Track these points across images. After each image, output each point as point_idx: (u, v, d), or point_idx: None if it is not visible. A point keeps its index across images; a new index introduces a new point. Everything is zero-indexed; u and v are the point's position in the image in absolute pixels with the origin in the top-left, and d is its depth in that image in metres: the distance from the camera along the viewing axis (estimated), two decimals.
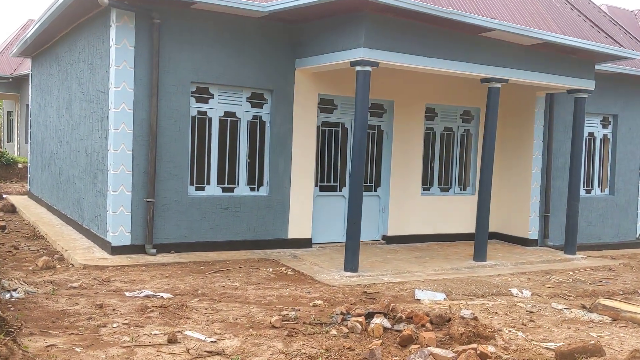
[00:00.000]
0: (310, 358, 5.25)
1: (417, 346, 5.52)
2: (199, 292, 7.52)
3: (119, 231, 9.21)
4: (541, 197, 12.61)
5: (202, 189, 9.99)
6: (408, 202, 11.87)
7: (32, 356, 4.86)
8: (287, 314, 6.42)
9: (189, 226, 9.69)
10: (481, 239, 10.47)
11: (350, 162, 11.12)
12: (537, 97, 12.42)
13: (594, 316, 7.23)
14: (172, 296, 7.21)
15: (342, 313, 6.39)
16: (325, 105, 11.00)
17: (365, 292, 7.96)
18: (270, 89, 10.29)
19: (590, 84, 11.44)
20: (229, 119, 10.15)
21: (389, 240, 11.68)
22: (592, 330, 6.68)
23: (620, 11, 18.76)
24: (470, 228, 12.51)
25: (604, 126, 13.83)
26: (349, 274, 8.89)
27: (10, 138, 31.28)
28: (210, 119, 9.97)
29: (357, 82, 8.89)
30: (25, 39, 13.83)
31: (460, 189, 12.78)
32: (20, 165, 21.81)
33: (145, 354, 5.15)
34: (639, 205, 14.26)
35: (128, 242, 9.27)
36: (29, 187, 16.55)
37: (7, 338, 4.71)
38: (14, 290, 6.88)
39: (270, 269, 9.08)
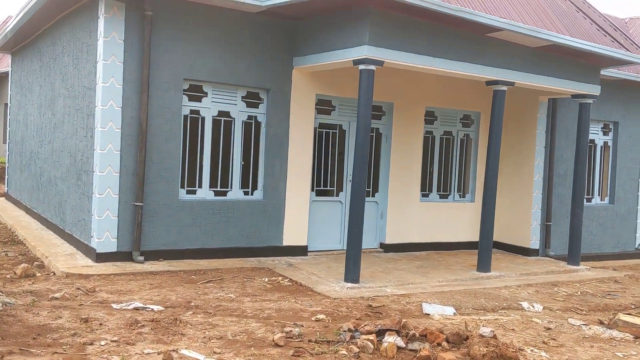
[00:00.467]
0: None
1: None
2: (192, 304, 6.95)
3: (105, 237, 8.60)
4: (543, 205, 12.24)
5: (194, 192, 9.42)
6: (407, 209, 11.40)
7: None
8: (291, 331, 5.89)
9: (179, 232, 9.11)
10: (485, 249, 10.03)
11: (352, 167, 10.68)
12: (540, 102, 12.05)
13: (615, 333, 6.80)
14: (163, 309, 6.64)
15: (350, 330, 5.88)
16: (323, 106, 10.51)
17: (370, 305, 7.46)
18: (267, 88, 9.77)
19: (595, 89, 11.10)
20: (222, 118, 9.61)
21: (387, 248, 11.20)
22: (616, 350, 6.25)
23: (612, 18, 18.59)
24: (470, 236, 12.13)
25: (605, 133, 13.52)
26: (350, 285, 8.38)
27: None
28: (203, 119, 9.42)
29: (360, 82, 8.41)
30: (5, 32, 13.15)
31: (460, 195, 12.35)
32: None
33: None
34: (638, 214, 13.96)
35: (114, 249, 8.67)
36: (6, 188, 15.80)
37: None
38: None
39: (266, 279, 8.54)
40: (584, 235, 12.60)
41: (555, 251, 12.33)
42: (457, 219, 12.08)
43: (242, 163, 9.80)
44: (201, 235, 9.28)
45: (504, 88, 9.92)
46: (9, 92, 15.84)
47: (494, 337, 5.75)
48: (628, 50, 10.87)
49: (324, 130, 10.64)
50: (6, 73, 20.94)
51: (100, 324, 5.84)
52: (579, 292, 9.34)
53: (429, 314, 7.36)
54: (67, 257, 8.92)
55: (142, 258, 8.75)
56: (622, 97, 13.32)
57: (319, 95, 10.30)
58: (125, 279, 7.96)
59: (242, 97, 9.69)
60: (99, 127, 8.53)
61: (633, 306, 8.79)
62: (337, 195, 10.79)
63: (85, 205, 9.07)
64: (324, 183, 10.74)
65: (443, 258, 11.17)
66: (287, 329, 5.95)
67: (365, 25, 8.30)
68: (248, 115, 9.78)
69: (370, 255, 10.78)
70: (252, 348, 5.44)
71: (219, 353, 5.25)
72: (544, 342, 6.26)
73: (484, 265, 10.02)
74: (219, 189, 9.63)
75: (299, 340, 5.71)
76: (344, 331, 5.86)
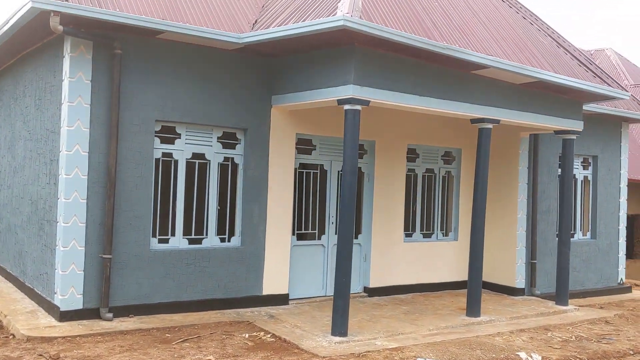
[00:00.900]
0: None
1: None
2: None
3: (69, 293, 7.88)
4: (527, 243, 11.93)
5: (166, 241, 8.79)
6: (391, 250, 10.94)
7: None
8: None
9: (151, 285, 8.44)
10: (474, 293, 9.61)
11: (334, 209, 10.24)
12: (521, 137, 11.84)
13: None
14: None
15: None
16: (304, 145, 10.05)
17: None
18: (244, 128, 9.27)
19: (579, 125, 10.93)
20: (197, 161, 9.05)
21: (371, 292, 10.69)
22: None
23: (584, 52, 18.75)
24: (454, 276, 11.74)
25: (585, 167, 13.38)
26: (337, 339, 7.82)
27: None
28: (176, 162, 8.84)
29: (345, 123, 7.99)
30: None
31: (443, 234, 11.97)
32: None
33: None
34: (619, 248, 13.79)
35: (80, 306, 7.95)
36: None
37: None
38: None
39: (247, 335, 7.91)
40: None
41: (541, 290, 12.00)
42: (441, 259, 11.68)
43: (218, 208, 9.23)
44: (175, 287, 8.62)
45: (490, 126, 9.63)
46: None
47: None
48: (609, 85, 10.75)
49: (305, 170, 10.16)
50: None
51: None
52: (574, 337, 8.95)
53: None
54: (28, 316, 8.15)
55: (110, 315, 8.04)
56: (601, 131, 13.23)
57: (299, 134, 9.85)
58: (92, 341, 7.25)
59: (218, 137, 9.17)
60: (64, 173, 7.88)
61: (632, 352, 8.44)
62: (319, 238, 10.27)
63: (47, 258, 8.34)
64: (305, 226, 10.22)
65: (429, 301, 10.70)
66: None
67: (350, 63, 7.91)
68: (224, 157, 9.24)
69: (355, 301, 10.23)
70: None
71: None
72: None
73: (473, 309, 9.59)
74: (193, 236, 9.02)
75: None
76: None
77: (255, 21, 8.85)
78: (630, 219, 19.50)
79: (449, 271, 11.75)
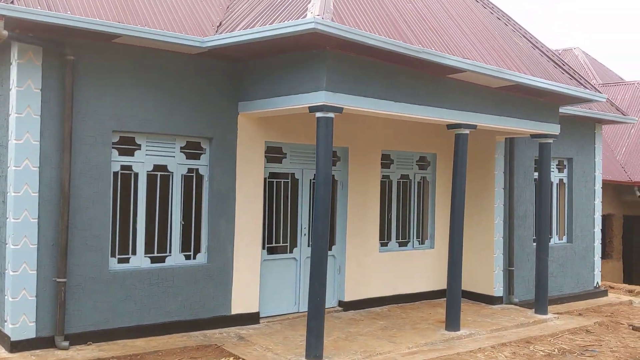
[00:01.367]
0: None
1: None
2: None
3: (21, 321, 7.23)
4: (504, 249, 11.63)
5: (127, 260, 8.18)
6: (366, 261, 10.50)
7: None
8: None
9: (110, 308, 7.83)
10: (454, 306, 9.23)
11: (307, 220, 9.75)
12: (497, 142, 11.52)
13: None
14: None
15: None
16: (273, 154, 9.54)
17: None
18: (209, 137, 8.71)
19: (555, 128, 10.66)
20: (159, 173, 8.46)
21: (346, 306, 10.23)
22: None
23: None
24: (431, 285, 11.39)
25: (560, 170, 13.15)
26: None
27: None
28: (136, 175, 8.23)
29: (318, 131, 7.50)
30: None
31: (419, 242, 11.59)
32: None
33: None
34: (595, 252, 13.62)
35: (33, 335, 7.30)
36: None
37: None
38: None
39: None
40: None
41: (519, 297, 11.71)
42: (418, 268, 11.29)
43: (183, 223, 8.65)
44: (137, 310, 8.02)
45: (467, 131, 9.27)
46: None
47: None
48: (585, 87, 10.50)
49: (275, 180, 9.65)
50: None
51: None
52: (557, 350, 8.65)
53: None
54: None
55: (66, 343, 7.41)
56: (576, 134, 13.02)
57: (269, 142, 9.33)
58: None
59: (181, 147, 8.59)
60: (12, 191, 7.21)
61: None
62: (291, 251, 9.77)
63: None
64: (275, 239, 9.70)
65: (406, 313, 10.30)
66: None
67: (321, 68, 7.43)
68: (188, 169, 8.67)
69: (330, 316, 9.75)
70: None
71: None
72: None
73: (453, 323, 9.21)
74: (156, 254, 8.43)
75: None
76: None
77: (220, 23, 8.30)
78: (602, 219, 19.48)
79: (426, 281, 11.37)
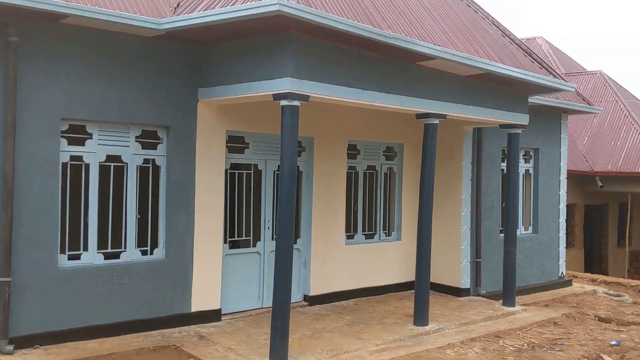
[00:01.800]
0: None
1: None
2: None
3: None
4: (472, 241, 11.46)
5: (78, 257, 7.65)
6: (332, 254, 10.18)
7: None
8: None
9: (60, 309, 7.30)
10: (422, 300, 8.99)
11: (271, 213, 9.36)
12: (465, 131, 11.30)
13: None
14: None
15: None
16: (235, 143, 9.09)
17: None
18: (166, 125, 8.21)
19: (525, 118, 10.49)
20: (112, 164, 7.93)
21: (311, 301, 9.90)
22: None
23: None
24: (398, 278, 11.16)
25: (526, 161, 13.05)
26: None
27: None
28: (87, 166, 7.69)
29: (282, 120, 7.09)
30: None
31: (385, 234, 11.32)
32: None
33: None
34: (560, 242, 13.61)
35: None
36: None
37: None
38: None
39: None
40: None
41: (486, 289, 11.58)
42: (384, 260, 11.03)
43: (138, 217, 8.14)
44: (89, 310, 7.51)
45: (436, 121, 8.99)
46: None
47: None
48: (554, 76, 10.34)
49: (237, 171, 9.21)
50: None
51: None
52: (526, 345, 8.50)
53: None
54: None
55: (11, 347, 6.87)
56: (542, 124, 12.91)
57: (230, 131, 8.88)
58: None
59: (137, 137, 8.07)
60: None
61: (586, 359, 8.06)
62: (254, 245, 9.36)
63: None
64: (238, 232, 9.28)
65: (373, 307, 10.03)
66: None
67: (286, 54, 7.00)
68: (144, 159, 8.15)
69: (295, 312, 9.40)
70: None
71: None
72: None
73: (421, 318, 8.98)
74: (110, 250, 7.92)
75: None
76: None
77: (178, 4, 7.78)
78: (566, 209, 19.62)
79: (393, 273, 11.13)
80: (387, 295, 10.92)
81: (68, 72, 7.28)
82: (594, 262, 21.62)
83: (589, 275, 15.85)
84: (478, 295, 11.40)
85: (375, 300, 10.58)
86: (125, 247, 8.01)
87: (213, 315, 8.58)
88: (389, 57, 8.06)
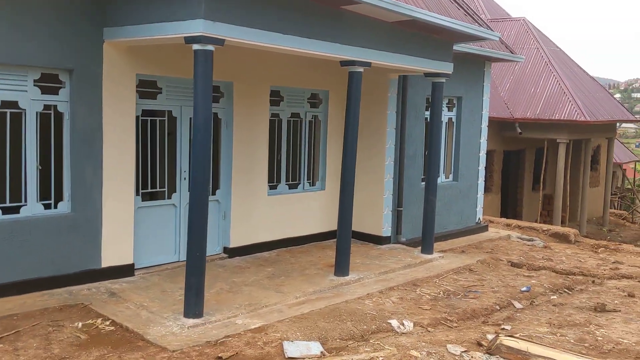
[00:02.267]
0: None
1: None
2: None
3: None
4: (394, 190, 11.47)
5: None
6: (253, 206, 9.90)
7: None
8: None
9: None
10: (343, 250, 8.94)
11: (187, 163, 8.90)
12: (390, 79, 11.10)
13: None
14: None
15: None
16: (147, 88, 8.49)
17: (220, 358, 5.91)
18: (69, 68, 7.50)
19: (449, 67, 10.38)
20: (8, 110, 7.21)
21: (231, 253, 9.65)
22: None
23: None
24: (321, 227, 11.09)
25: (449, 109, 13.07)
26: (191, 321, 6.74)
27: None
28: None
29: (195, 66, 6.59)
30: None
31: (310, 184, 11.13)
32: None
33: None
34: (478, 189, 13.92)
35: None
36: None
37: None
38: None
39: (80, 324, 6.56)
40: None
41: (406, 236, 11.72)
42: (308, 210, 10.88)
43: (40, 168, 7.51)
44: None
45: (361, 69, 8.70)
46: None
47: None
48: (479, 24, 10.23)
49: (149, 118, 8.63)
50: None
51: None
52: (442, 293, 8.66)
53: (293, 358, 6.04)
54: None
55: None
56: (465, 72, 12.89)
57: (141, 75, 8.25)
58: None
59: (35, 81, 7.33)
60: None
61: (498, 307, 8.31)
62: (170, 197, 8.93)
63: None
64: (152, 184, 8.81)
65: (295, 258, 9.92)
66: None
67: None
68: (44, 105, 7.46)
69: (213, 265, 9.17)
70: None
71: None
72: None
73: (342, 269, 8.94)
74: (8, 204, 7.30)
75: None
76: None
77: None
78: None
79: (317, 223, 11.02)
80: (310, 245, 10.83)
81: None
82: (509, 206, 22.51)
83: (504, 220, 16.43)
84: (398, 242, 11.53)
85: (298, 250, 10.47)
86: (25, 201, 7.40)
87: (126, 270, 8.19)
88: (311, 0, 7.62)
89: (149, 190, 8.77)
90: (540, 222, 19.15)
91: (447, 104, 12.87)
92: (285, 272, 9.05)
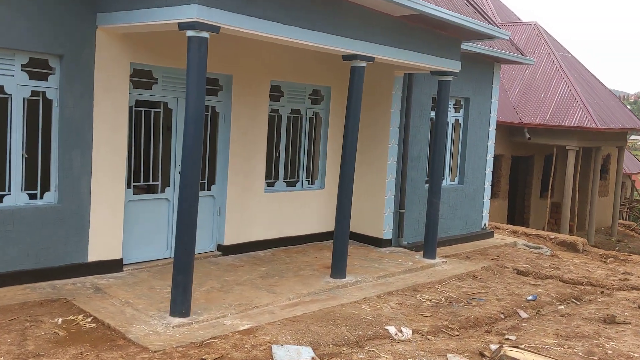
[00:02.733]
0: None
1: None
2: None
3: None
4: (396, 191, 11.12)
5: None
6: (249, 202, 9.58)
7: None
8: None
9: None
10: (340, 252, 8.59)
11: (182, 158, 8.59)
12: (395, 77, 10.76)
13: None
14: None
15: None
16: (141, 78, 8.19)
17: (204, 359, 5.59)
18: (59, 53, 7.21)
19: (456, 65, 10.02)
20: None
21: (225, 250, 9.33)
22: None
23: None
24: (319, 227, 10.75)
25: (456, 110, 12.71)
26: (177, 321, 6.41)
27: None
28: None
29: (189, 53, 6.29)
30: None
31: (308, 182, 10.80)
32: None
33: None
34: (485, 193, 13.54)
35: None
36: None
37: None
38: None
39: (60, 320, 6.25)
40: None
41: (408, 239, 11.35)
42: (306, 209, 10.55)
43: (26, 156, 7.22)
44: None
45: (363, 64, 8.36)
46: None
47: None
48: (489, 22, 9.87)
49: (144, 109, 8.33)
50: None
51: None
52: (444, 300, 8.29)
53: None
54: None
55: None
56: (474, 72, 12.54)
57: (135, 64, 7.96)
58: None
59: (23, 65, 7.05)
60: None
61: (502, 315, 7.94)
62: (163, 191, 8.62)
63: None
64: (144, 177, 8.50)
65: (291, 258, 9.59)
66: None
67: None
68: (32, 91, 7.17)
69: (206, 262, 8.86)
70: None
71: None
72: None
73: (339, 271, 8.60)
74: None
75: None
76: None
77: None
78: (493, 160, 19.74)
79: (315, 222, 10.69)
80: (307, 245, 10.50)
81: None
82: (516, 213, 22.09)
83: (510, 226, 16.02)
84: (399, 246, 11.17)
85: (294, 250, 10.14)
86: (9, 190, 7.11)
87: (113, 266, 7.88)
88: None
89: (142, 183, 8.46)
90: (547, 230, 18.71)
91: (454, 105, 12.51)
92: (279, 272, 8.71)
